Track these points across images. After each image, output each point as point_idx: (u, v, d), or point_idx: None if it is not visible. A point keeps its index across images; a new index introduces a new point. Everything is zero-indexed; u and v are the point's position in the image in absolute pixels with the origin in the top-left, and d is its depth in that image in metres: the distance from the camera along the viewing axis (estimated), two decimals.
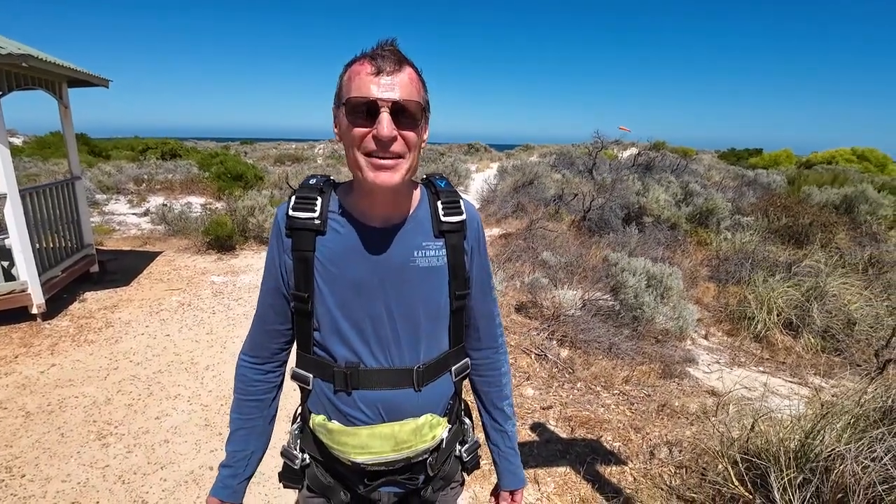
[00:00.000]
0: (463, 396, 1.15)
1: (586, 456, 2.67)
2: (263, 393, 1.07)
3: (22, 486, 2.37)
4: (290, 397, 2.89)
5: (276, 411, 1.11)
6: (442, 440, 1.02)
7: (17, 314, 4.23)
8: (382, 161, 0.83)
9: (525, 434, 2.87)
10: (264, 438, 1.10)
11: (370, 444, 0.93)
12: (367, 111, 0.82)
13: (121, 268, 5.91)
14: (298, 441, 1.07)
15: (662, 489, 2.35)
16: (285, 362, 1.11)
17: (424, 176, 1.06)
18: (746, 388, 3.39)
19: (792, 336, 4.44)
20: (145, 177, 12.44)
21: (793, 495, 1.74)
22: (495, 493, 1.19)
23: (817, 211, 8.01)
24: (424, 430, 0.96)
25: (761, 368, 4.00)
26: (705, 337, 4.62)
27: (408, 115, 0.83)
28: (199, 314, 4.63)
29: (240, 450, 1.06)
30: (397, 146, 0.83)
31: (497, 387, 1.15)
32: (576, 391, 3.36)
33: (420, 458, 0.99)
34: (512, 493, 1.16)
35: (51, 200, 4.86)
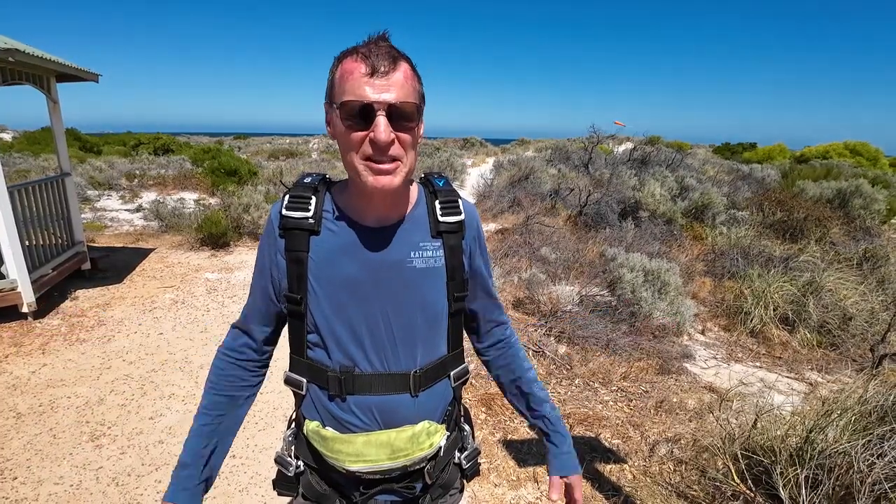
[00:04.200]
0: (462, 401, 1.12)
1: (585, 453, 2.65)
2: (236, 389, 1.02)
3: (14, 489, 2.32)
4: (286, 400, 2.87)
5: (244, 415, 1.06)
6: (440, 448, 0.99)
7: (6, 313, 4.16)
8: (381, 165, 0.80)
9: (523, 432, 2.85)
10: (227, 441, 1.03)
11: (365, 451, 0.90)
12: (362, 114, 0.78)
13: (113, 265, 5.83)
14: (292, 447, 1.04)
15: (662, 487, 2.34)
16: (265, 366, 1.07)
17: (423, 174, 1.03)
18: (744, 383, 3.39)
19: (788, 331, 4.45)
20: (137, 172, 12.30)
21: (797, 493, 1.73)
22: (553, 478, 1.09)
23: (811, 205, 8.04)
24: (422, 438, 0.93)
25: (758, 364, 4.01)
26: (702, 332, 4.62)
27: (404, 116, 0.80)
28: (192, 312, 4.58)
29: (201, 447, 0.99)
30: (395, 149, 0.80)
31: (519, 373, 1.12)
32: (574, 388, 3.34)
33: (417, 467, 0.97)
34: (563, 479, 1.07)
35: (40, 197, 4.79)
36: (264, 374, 1.08)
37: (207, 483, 1.00)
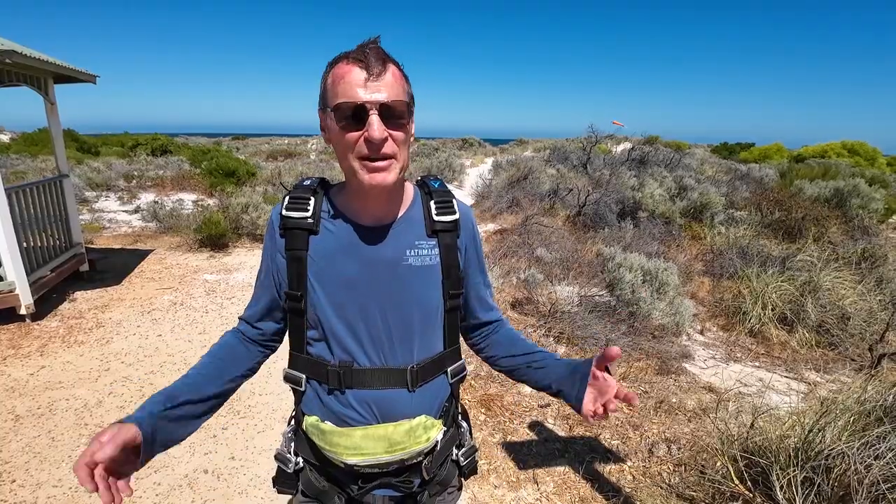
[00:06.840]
0: (459, 399, 1.14)
1: (585, 454, 2.66)
2: (232, 359, 1.02)
3: (12, 492, 2.32)
4: (285, 402, 2.87)
5: (229, 394, 1.01)
6: (436, 442, 1.01)
7: (5, 315, 4.15)
8: (376, 164, 0.84)
9: (523, 433, 2.85)
10: (202, 404, 0.94)
11: (363, 445, 0.93)
12: (355, 115, 0.82)
13: (111, 266, 5.83)
14: (292, 444, 1.06)
15: (661, 487, 2.34)
16: (265, 355, 1.09)
17: (419, 177, 1.06)
18: (743, 383, 3.40)
19: (787, 331, 4.46)
20: (135, 173, 12.28)
21: (794, 494, 1.74)
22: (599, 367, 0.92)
23: (809, 205, 8.05)
24: (419, 432, 0.96)
25: (757, 363, 4.01)
26: (701, 332, 4.63)
27: (396, 114, 0.83)
28: (191, 313, 4.57)
29: (179, 386, 0.93)
30: (388, 147, 0.84)
31: (515, 341, 1.10)
32: None
33: (414, 461, 0.99)
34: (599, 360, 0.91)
35: (38, 199, 4.78)
36: (260, 363, 1.09)
37: (159, 418, 0.86)
